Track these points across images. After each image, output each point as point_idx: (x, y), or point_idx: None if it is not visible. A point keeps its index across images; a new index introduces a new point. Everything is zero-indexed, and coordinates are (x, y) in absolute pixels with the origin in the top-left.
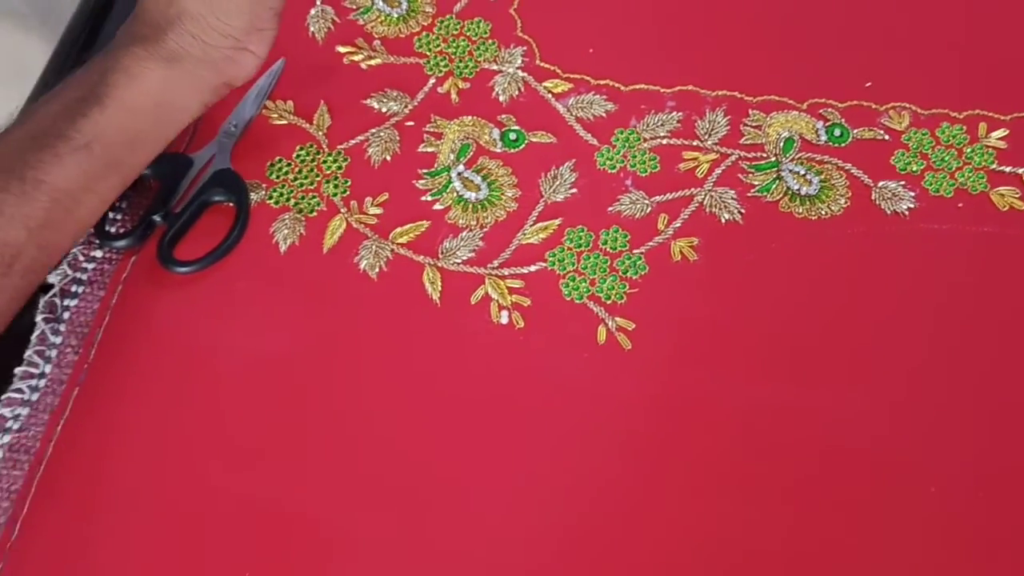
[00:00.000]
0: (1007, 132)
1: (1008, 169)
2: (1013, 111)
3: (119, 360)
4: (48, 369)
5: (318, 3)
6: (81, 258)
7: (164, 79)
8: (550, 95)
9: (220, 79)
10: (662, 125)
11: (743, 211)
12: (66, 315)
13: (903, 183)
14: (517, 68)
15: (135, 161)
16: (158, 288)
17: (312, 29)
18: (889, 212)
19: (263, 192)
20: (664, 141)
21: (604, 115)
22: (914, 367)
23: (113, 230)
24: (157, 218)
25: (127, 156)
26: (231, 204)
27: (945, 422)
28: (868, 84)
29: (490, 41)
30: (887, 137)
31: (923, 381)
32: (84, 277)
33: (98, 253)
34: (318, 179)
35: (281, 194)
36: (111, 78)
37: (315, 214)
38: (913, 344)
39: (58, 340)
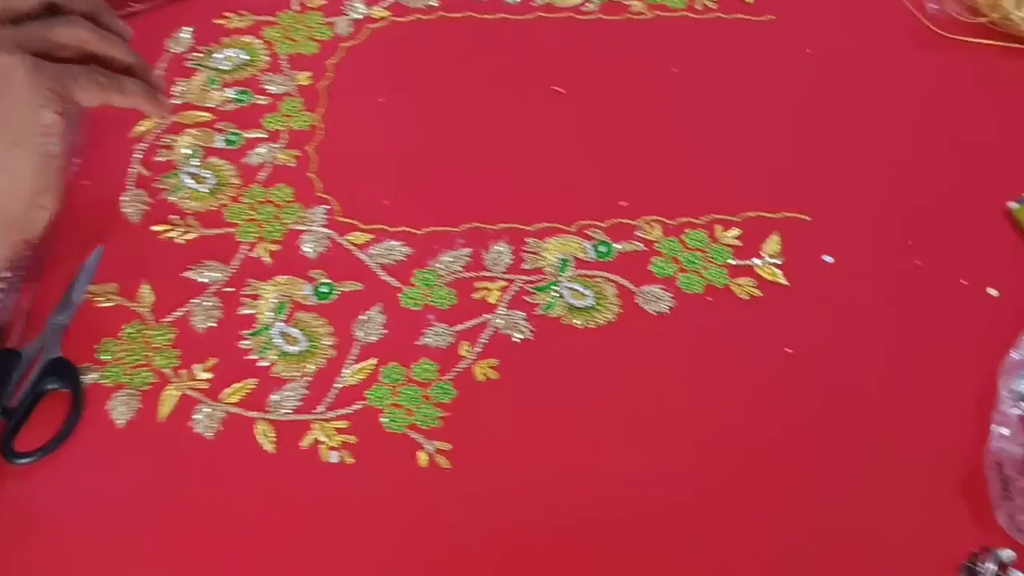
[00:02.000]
0: (740, 232)
1: (742, 262)
2: (741, 211)
3: None
4: None
5: (131, 186)
6: None
7: None
8: (353, 246)
9: (17, 236)
10: (454, 261)
11: (533, 329)
12: None
13: (661, 286)
14: (321, 225)
15: None
16: (2, 481)
17: (127, 212)
18: (654, 313)
19: (96, 374)
20: (457, 275)
21: (404, 258)
22: (686, 435)
23: None
24: None
25: None
26: (66, 390)
27: (713, 472)
28: (623, 203)
29: (294, 204)
30: (643, 248)
31: (691, 443)
32: None
33: None
34: (148, 354)
35: (113, 373)
36: None
37: (148, 387)
38: (682, 416)
39: None
